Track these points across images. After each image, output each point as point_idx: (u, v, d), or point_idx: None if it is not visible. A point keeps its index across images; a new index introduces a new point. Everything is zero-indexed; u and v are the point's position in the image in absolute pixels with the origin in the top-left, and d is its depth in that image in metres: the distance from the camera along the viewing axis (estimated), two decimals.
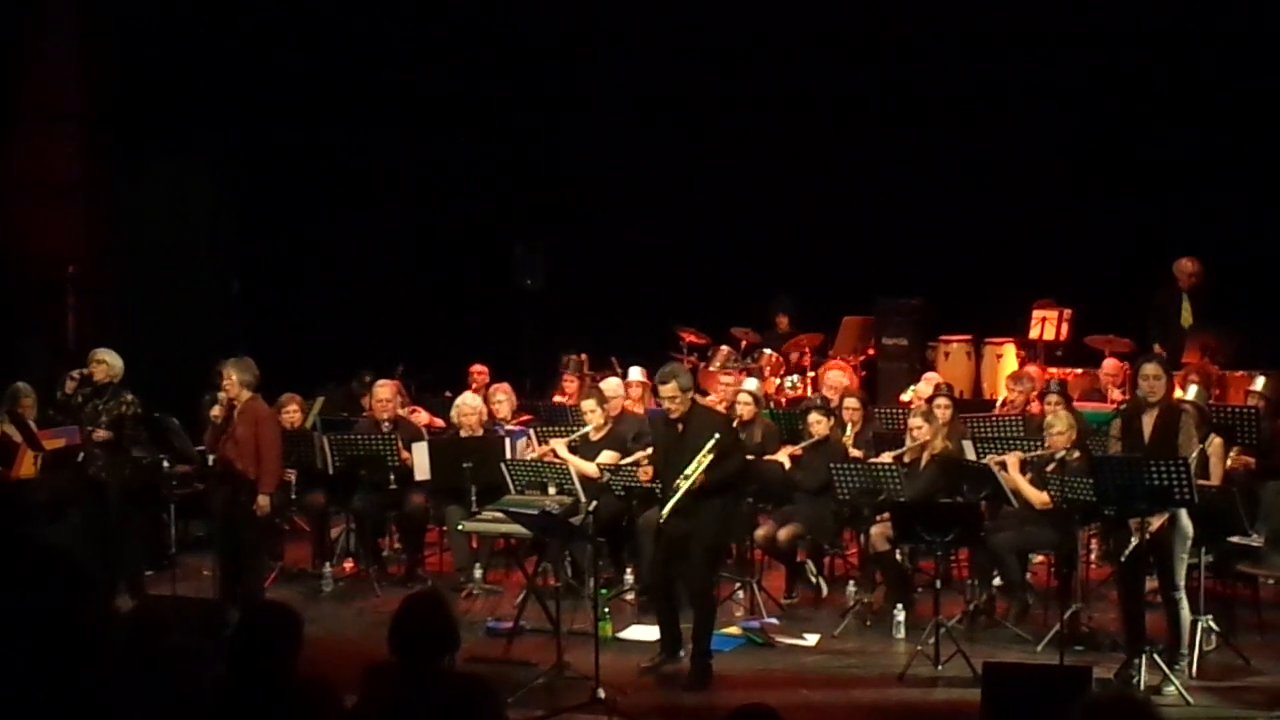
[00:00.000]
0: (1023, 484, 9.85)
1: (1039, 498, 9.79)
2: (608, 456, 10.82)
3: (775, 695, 8.00)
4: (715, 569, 9.52)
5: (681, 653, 9.07)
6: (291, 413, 11.97)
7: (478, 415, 11.69)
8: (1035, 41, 15.16)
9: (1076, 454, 9.75)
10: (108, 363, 10.88)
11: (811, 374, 14.91)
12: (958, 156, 15.64)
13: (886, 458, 10.47)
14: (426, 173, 17.15)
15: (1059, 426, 9.94)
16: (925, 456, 10.39)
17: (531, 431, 11.86)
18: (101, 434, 10.76)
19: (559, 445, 11.15)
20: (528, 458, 11.16)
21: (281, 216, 16.94)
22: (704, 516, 8.79)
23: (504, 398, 12.39)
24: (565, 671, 8.66)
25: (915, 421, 10.56)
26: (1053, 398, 11.06)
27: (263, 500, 10.25)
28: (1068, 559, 9.88)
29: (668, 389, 8.91)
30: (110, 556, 10.36)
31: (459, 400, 11.99)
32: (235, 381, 10.22)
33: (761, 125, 16.37)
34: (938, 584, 9.49)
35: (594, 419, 11.18)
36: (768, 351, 15.32)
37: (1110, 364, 13.32)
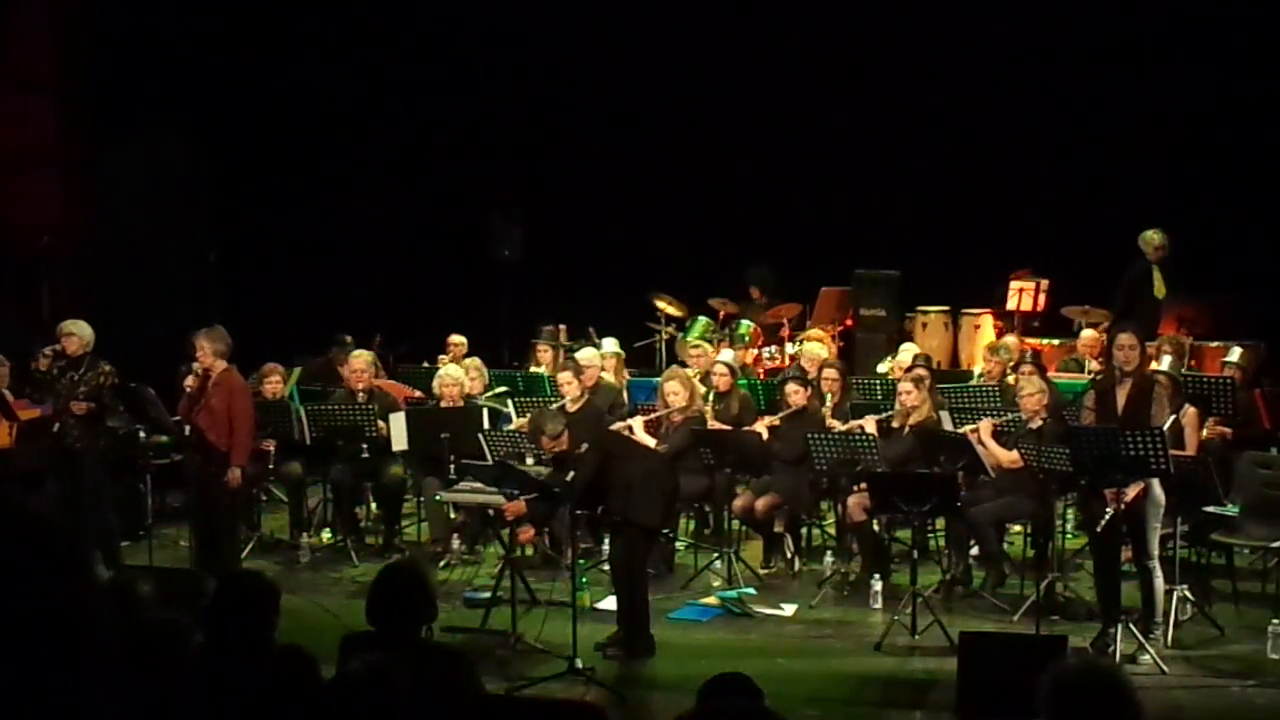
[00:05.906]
0: (994, 447, 9.90)
1: (1008, 456, 9.84)
2: None
3: (752, 665, 7.94)
4: (644, 548, 9.42)
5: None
6: (274, 383, 11.93)
7: (459, 386, 11.68)
8: (1012, 14, 15.13)
9: (1047, 419, 9.80)
10: (78, 334, 10.56)
11: (790, 345, 14.82)
12: (935, 127, 15.63)
13: (870, 423, 10.49)
14: (404, 143, 17.07)
15: (1029, 389, 10.00)
16: (906, 424, 10.42)
17: (510, 402, 11.84)
18: (81, 406, 10.45)
19: None
20: (508, 429, 11.17)
21: (258, 187, 16.84)
22: (635, 497, 8.78)
23: (476, 373, 12.37)
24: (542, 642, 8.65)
25: (905, 386, 10.58)
26: (1026, 368, 11.11)
27: (234, 472, 10.16)
28: (1044, 529, 9.91)
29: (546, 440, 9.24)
30: (87, 527, 10.30)
31: (441, 370, 11.97)
32: (208, 351, 10.12)
33: (739, 96, 16.30)
34: (914, 554, 9.52)
35: (570, 390, 11.14)
36: (745, 322, 15.27)
37: (1088, 335, 13.32)
